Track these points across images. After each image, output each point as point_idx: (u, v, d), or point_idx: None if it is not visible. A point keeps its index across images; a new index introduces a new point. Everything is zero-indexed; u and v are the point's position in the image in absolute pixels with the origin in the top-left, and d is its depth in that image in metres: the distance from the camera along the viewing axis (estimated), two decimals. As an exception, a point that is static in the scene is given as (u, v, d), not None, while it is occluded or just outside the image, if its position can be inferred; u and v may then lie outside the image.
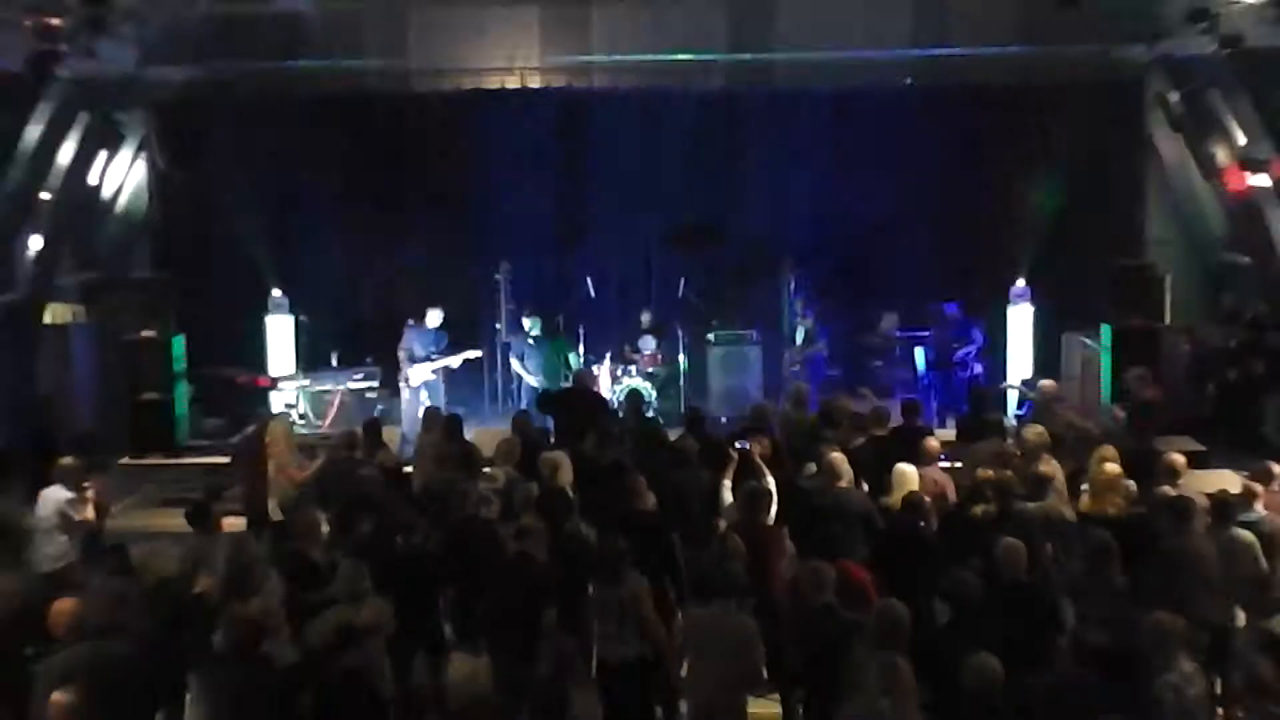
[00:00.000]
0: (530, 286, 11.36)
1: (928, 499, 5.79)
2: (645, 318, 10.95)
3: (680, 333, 10.79)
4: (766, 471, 6.07)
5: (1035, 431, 6.45)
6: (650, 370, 10.63)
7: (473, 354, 10.17)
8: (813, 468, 6.41)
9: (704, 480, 6.23)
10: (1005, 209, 11.13)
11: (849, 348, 10.84)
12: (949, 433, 8.12)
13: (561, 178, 11.80)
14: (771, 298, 11.13)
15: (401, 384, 9.93)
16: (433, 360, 9.84)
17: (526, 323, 10.45)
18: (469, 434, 8.21)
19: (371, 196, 11.60)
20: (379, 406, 10.46)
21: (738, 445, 6.39)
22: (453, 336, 10.05)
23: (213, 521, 5.77)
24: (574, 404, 7.92)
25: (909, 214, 11.16)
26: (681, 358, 10.82)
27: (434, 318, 9.90)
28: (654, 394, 10.23)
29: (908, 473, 5.92)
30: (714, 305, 11.35)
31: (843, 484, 5.92)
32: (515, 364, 10.53)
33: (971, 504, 5.73)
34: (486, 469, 6.42)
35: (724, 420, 10.10)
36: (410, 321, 9.97)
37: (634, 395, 8.17)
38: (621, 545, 4.93)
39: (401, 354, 9.80)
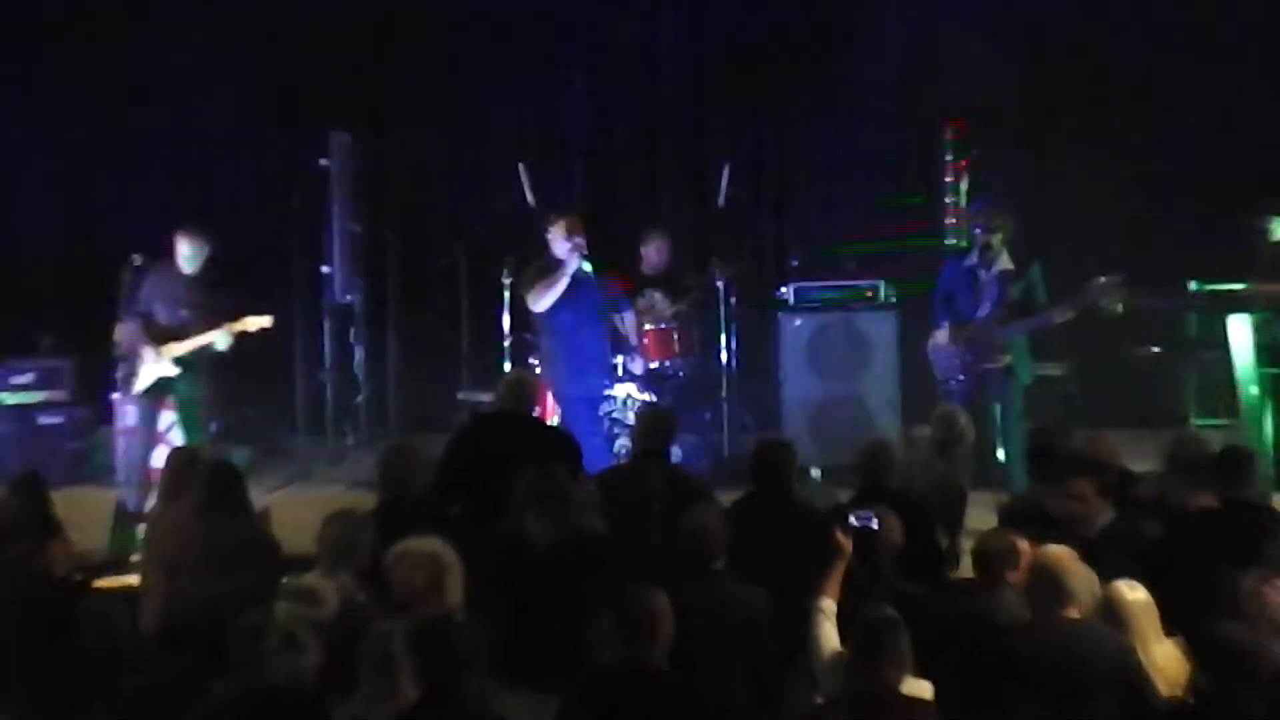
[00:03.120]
0: (391, 181, 11.51)
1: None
2: (651, 250, 11.11)
3: (721, 284, 11.01)
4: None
5: None
6: (657, 366, 10.76)
7: (256, 322, 10.13)
8: (1013, 577, 6.50)
9: (767, 604, 6.38)
10: None
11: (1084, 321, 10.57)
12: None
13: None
14: (919, 210, 11.36)
15: (118, 396, 10.31)
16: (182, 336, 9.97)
17: None
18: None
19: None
20: (69, 442, 10.95)
21: (855, 524, 6.51)
22: (231, 289, 10.18)
23: None
24: (499, 440, 8.12)
25: (1196, 47, 11.67)
26: (724, 339, 11.04)
27: (187, 250, 9.99)
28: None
29: (1134, 602, 6.14)
30: (794, 225, 11.50)
31: (1073, 613, 6.03)
32: None
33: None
34: (304, 579, 6.52)
35: (817, 475, 10.34)
36: (135, 258, 9.97)
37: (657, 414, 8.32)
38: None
39: (127, 330, 9.98)
